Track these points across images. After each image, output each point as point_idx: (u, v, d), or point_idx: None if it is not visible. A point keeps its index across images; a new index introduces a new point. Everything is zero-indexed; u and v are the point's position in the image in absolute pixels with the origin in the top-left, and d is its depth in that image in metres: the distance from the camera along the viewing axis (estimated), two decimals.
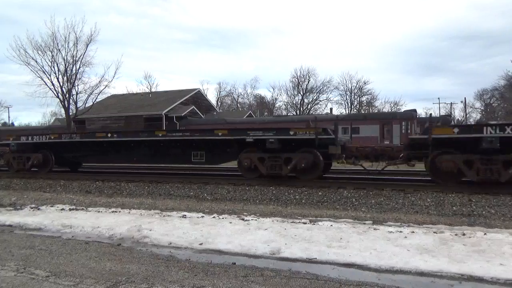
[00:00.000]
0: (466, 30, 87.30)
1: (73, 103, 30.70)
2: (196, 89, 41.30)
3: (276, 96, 67.79)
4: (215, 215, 7.12)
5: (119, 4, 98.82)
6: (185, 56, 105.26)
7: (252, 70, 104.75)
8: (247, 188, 9.75)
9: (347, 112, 57.11)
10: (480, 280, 3.84)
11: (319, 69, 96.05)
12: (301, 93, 62.30)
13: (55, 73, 29.44)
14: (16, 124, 60.19)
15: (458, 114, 59.36)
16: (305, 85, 61.93)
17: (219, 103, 66.68)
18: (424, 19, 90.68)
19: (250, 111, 50.84)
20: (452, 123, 37.79)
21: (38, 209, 8.11)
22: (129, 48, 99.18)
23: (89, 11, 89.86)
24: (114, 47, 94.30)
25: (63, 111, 31.67)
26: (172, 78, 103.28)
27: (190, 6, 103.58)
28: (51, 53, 29.10)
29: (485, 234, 5.44)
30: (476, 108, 58.93)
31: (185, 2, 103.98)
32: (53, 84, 29.50)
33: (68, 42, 29.22)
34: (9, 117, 62.12)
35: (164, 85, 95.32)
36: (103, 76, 30.65)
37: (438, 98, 58.27)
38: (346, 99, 62.72)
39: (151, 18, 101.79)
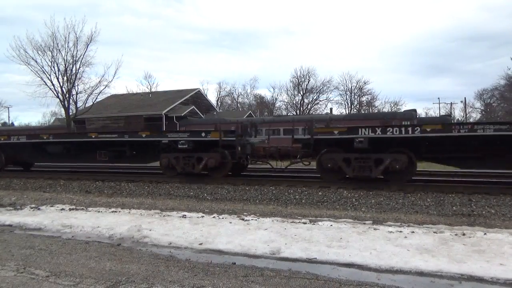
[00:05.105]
0: (474, 31, 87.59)
1: (73, 103, 30.72)
2: (196, 89, 41.28)
3: (276, 96, 67.85)
4: (215, 215, 7.12)
5: (133, 5, 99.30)
6: (194, 57, 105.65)
7: (256, 70, 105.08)
8: (247, 188, 9.75)
9: (346, 112, 57.06)
10: (480, 280, 3.84)
11: (322, 69, 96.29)
12: (301, 93, 62.31)
13: (55, 73, 29.46)
14: (16, 124, 60.21)
15: (458, 114, 59.36)
16: (305, 85, 61.95)
17: (219, 103, 66.71)
18: (435, 20, 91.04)
19: (250, 111, 50.82)
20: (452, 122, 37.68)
21: (38, 209, 8.10)
22: (140, 48, 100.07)
23: (104, 12, 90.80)
24: (125, 48, 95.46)
25: (63, 111, 31.71)
26: (177, 79, 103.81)
27: (204, 7, 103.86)
28: (51, 53, 29.13)
29: (485, 234, 5.44)
30: (476, 108, 58.95)
31: (198, 3, 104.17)
32: (53, 84, 29.52)
33: (68, 42, 29.24)
34: (9, 117, 62.14)
35: (169, 85, 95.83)
36: (103, 76, 30.69)
37: (438, 98, 58.24)
38: (346, 99, 62.75)
39: (164, 19, 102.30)
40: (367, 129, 9.11)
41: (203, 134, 10.95)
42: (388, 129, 8.94)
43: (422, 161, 10.25)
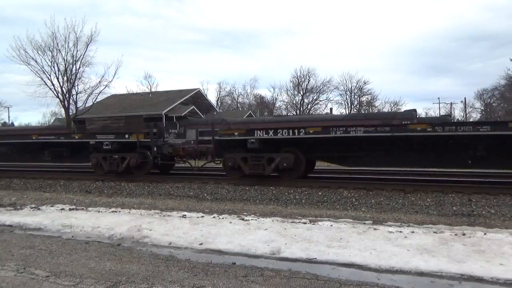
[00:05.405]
0: (475, 31, 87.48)
1: (73, 103, 30.71)
2: (196, 89, 41.25)
3: (276, 96, 67.76)
4: (215, 215, 7.12)
5: (134, 5, 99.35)
6: (194, 57, 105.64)
7: (256, 70, 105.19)
8: (247, 188, 9.76)
9: (347, 112, 57.04)
10: (480, 280, 3.84)
11: (322, 69, 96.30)
12: (301, 93, 62.25)
13: (55, 73, 29.45)
14: (16, 124, 60.18)
15: (458, 114, 59.27)
16: (305, 85, 61.88)
17: (219, 103, 66.65)
18: (435, 20, 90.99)
19: (250, 111, 50.82)
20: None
21: (38, 209, 8.10)
22: (140, 48, 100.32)
23: (104, 12, 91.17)
24: (125, 48, 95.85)
25: (63, 111, 31.71)
26: (178, 79, 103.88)
27: (205, 7, 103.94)
28: (51, 53, 29.12)
29: (485, 234, 5.44)
30: (476, 108, 58.86)
31: (199, 3, 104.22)
32: (53, 84, 29.51)
33: (68, 42, 29.23)
34: (9, 117, 62.07)
35: (169, 85, 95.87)
36: (103, 76, 30.67)
37: (438, 98, 58.06)
38: (346, 99, 62.69)
39: (165, 19, 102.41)
40: (261, 131, 10.00)
41: (126, 136, 11.98)
42: (278, 130, 9.80)
43: (319, 160, 11.47)
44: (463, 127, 8.37)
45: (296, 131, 9.62)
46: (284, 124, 10.70)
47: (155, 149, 11.50)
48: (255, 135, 10.04)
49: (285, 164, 9.86)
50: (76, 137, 12.78)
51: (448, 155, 9.15)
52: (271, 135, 9.89)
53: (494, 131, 8.10)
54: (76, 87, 30.36)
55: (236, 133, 10.45)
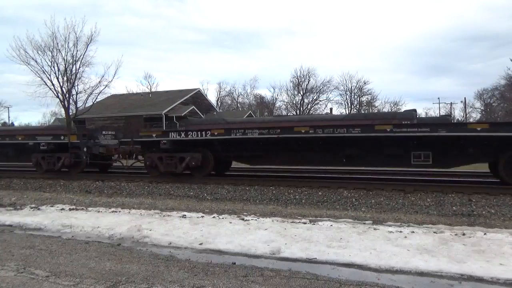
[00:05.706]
0: (475, 31, 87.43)
1: (73, 103, 30.65)
2: (196, 89, 41.27)
3: (276, 96, 67.75)
4: (215, 215, 7.12)
5: (134, 5, 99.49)
6: (194, 57, 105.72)
7: (256, 70, 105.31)
8: (247, 188, 9.76)
9: (347, 112, 57.03)
10: (480, 280, 3.84)
11: (322, 69, 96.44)
12: (301, 93, 62.24)
13: (55, 73, 29.31)
14: (16, 124, 60.12)
15: (458, 114, 59.25)
16: (305, 85, 61.87)
17: (219, 103, 66.65)
18: (436, 20, 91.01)
19: (250, 111, 50.82)
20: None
21: (38, 209, 8.10)
22: (141, 48, 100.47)
23: (105, 12, 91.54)
24: (126, 48, 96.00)
25: (63, 111, 31.68)
26: (178, 79, 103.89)
27: (206, 7, 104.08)
28: (51, 53, 29.04)
29: (485, 234, 5.44)
30: (476, 108, 58.85)
31: (200, 3, 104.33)
32: (53, 84, 29.40)
33: (68, 42, 29.16)
34: (9, 117, 61.96)
35: (169, 85, 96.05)
36: (103, 76, 30.60)
37: (438, 98, 58.04)
38: (346, 99, 62.67)
39: (166, 19, 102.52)
40: (174, 133, 10.98)
41: (62, 137, 12.94)
42: (189, 132, 10.71)
43: (228, 159, 12.13)
44: (339, 129, 9.21)
45: (203, 133, 10.43)
46: (194, 127, 11.40)
47: (84, 149, 12.72)
48: (169, 136, 10.91)
49: (193, 163, 10.71)
50: (19, 138, 13.71)
51: (329, 154, 10.03)
52: (182, 137, 10.75)
53: (363, 133, 9.00)
54: (76, 87, 30.16)
55: (154, 135, 11.34)
